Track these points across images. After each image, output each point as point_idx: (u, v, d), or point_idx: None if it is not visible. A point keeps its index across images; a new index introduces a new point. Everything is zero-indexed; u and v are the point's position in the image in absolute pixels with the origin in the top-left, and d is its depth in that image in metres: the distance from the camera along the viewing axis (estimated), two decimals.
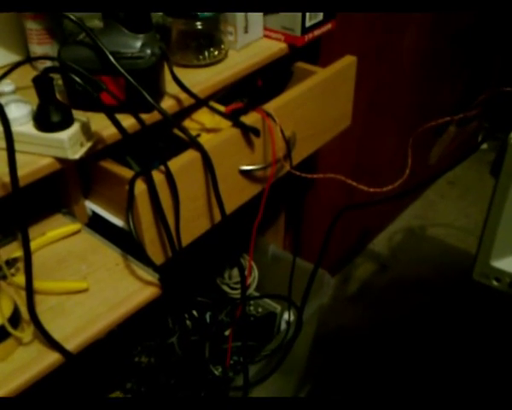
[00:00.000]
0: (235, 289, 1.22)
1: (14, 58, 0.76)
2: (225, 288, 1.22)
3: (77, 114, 0.62)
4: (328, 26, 0.86)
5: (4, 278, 0.60)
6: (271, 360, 1.02)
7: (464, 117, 1.33)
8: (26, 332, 0.57)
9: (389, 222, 1.79)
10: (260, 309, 1.28)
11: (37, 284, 0.60)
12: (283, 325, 1.27)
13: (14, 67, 0.64)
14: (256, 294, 1.22)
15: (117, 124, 0.57)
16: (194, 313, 1.12)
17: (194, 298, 1.13)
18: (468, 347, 1.40)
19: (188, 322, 1.05)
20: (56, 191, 0.72)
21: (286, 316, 1.29)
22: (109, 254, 0.68)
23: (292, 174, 0.83)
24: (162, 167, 0.64)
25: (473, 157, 1.07)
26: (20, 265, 0.65)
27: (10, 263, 0.64)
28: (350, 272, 1.64)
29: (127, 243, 0.70)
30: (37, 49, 0.74)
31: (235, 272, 1.23)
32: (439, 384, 1.33)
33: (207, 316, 1.16)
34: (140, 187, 0.62)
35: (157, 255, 0.68)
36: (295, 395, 1.32)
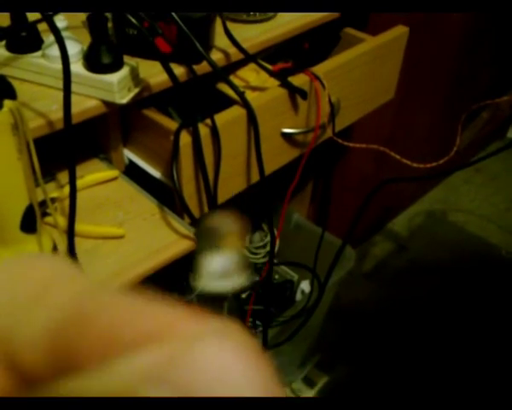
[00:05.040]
0: (255, 254, 1.22)
1: None
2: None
3: (125, 58, 0.61)
4: None
5: (44, 215, 0.60)
6: (287, 327, 1.02)
7: (499, 103, 1.30)
8: None
9: (411, 203, 1.77)
10: (277, 276, 1.28)
11: (76, 226, 0.60)
12: (299, 294, 1.28)
13: None
14: (275, 261, 1.22)
15: (169, 71, 0.56)
16: None
17: None
18: (478, 331, 1.40)
19: None
20: (94, 136, 0.72)
21: (303, 285, 1.29)
22: (146, 204, 0.68)
23: (329, 142, 0.81)
24: (207, 121, 0.63)
25: (501, 146, 1.04)
26: (58, 205, 0.64)
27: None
28: (367, 249, 1.63)
29: (160, 195, 0.69)
30: None
31: (257, 237, 1.23)
32: (446, 367, 1.34)
33: None
34: (185, 139, 0.61)
35: (193, 210, 0.67)
36: (304, 362, 1.33)
